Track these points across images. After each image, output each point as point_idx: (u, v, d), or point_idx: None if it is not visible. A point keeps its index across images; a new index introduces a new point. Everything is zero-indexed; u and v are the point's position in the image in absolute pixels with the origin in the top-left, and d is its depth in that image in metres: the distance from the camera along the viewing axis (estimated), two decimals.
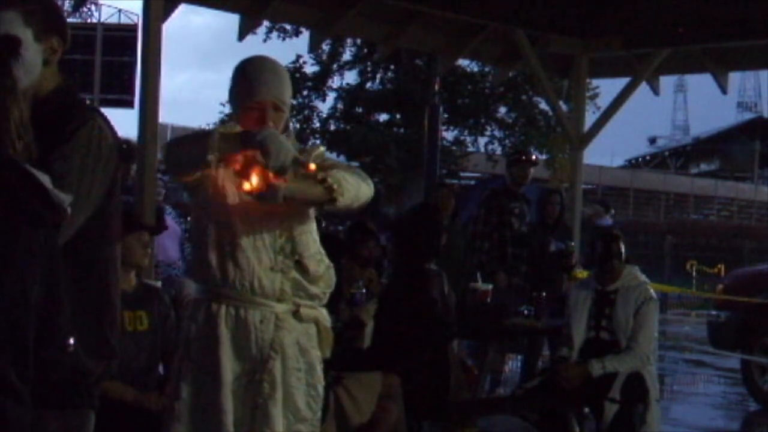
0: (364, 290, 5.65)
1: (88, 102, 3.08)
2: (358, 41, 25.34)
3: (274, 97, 3.24)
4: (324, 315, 3.37)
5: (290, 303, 3.26)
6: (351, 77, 27.54)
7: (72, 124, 2.71)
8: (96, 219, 2.78)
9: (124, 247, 4.38)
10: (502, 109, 27.59)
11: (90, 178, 2.73)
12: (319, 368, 3.34)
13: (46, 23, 2.78)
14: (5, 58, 2.38)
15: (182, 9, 6.88)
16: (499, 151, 27.85)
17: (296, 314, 3.27)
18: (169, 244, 7.45)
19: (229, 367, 3.19)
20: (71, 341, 2.62)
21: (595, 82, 19.14)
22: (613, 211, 10.88)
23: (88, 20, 25.08)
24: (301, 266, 3.27)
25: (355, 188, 3.23)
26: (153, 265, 6.23)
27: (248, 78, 3.27)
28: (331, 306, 5.06)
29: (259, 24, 9.44)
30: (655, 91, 9.19)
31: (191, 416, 3.22)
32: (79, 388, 2.81)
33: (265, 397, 3.20)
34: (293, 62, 25.72)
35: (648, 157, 61.08)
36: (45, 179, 2.36)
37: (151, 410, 4.19)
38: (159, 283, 5.64)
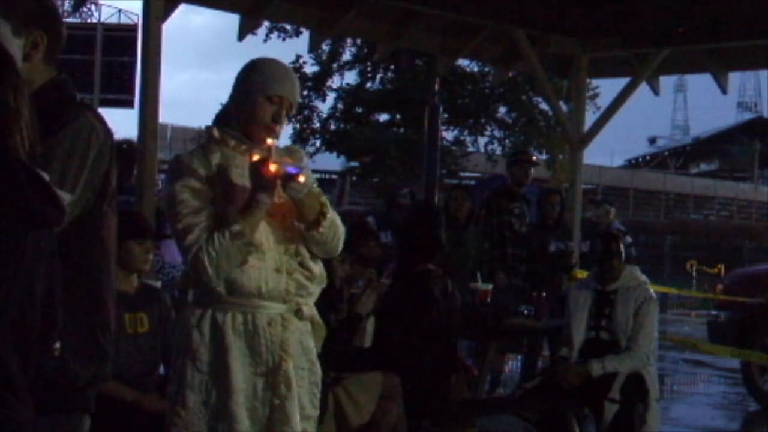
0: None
1: (83, 100, 2.98)
2: (358, 41, 25.36)
3: (292, 98, 3.27)
4: (315, 310, 3.38)
5: (293, 302, 3.26)
6: (351, 77, 27.60)
7: (60, 121, 2.63)
8: (87, 219, 2.72)
9: (126, 252, 4.39)
10: (502, 109, 27.63)
11: (75, 176, 2.65)
12: (318, 365, 3.35)
13: (27, 17, 2.67)
14: (11, 57, 2.36)
15: (182, 9, 6.88)
16: (499, 151, 27.89)
17: (297, 313, 3.27)
18: (176, 245, 7.41)
19: (240, 374, 3.18)
20: (57, 345, 2.56)
21: (595, 82, 19.17)
22: (614, 209, 10.93)
23: (88, 20, 25.12)
24: (303, 266, 3.28)
25: (338, 235, 3.31)
26: (160, 266, 6.23)
27: (272, 71, 3.25)
28: (331, 306, 5.08)
29: (259, 24, 9.44)
30: (655, 91, 9.19)
31: (201, 424, 3.21)
32: (68, 393, 2.74)
33: (281, 398, 3.19)
34: (293, 62, 25.75)
35: (648, 157, 61.12)
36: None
37: (150, 411, 4.19)
38: (159, 284, 5.64)
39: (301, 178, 3.10)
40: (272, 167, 3.06)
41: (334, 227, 3.28)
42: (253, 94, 3.23)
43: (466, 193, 8.33)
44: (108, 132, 2.80)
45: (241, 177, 3.19)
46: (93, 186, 2.73)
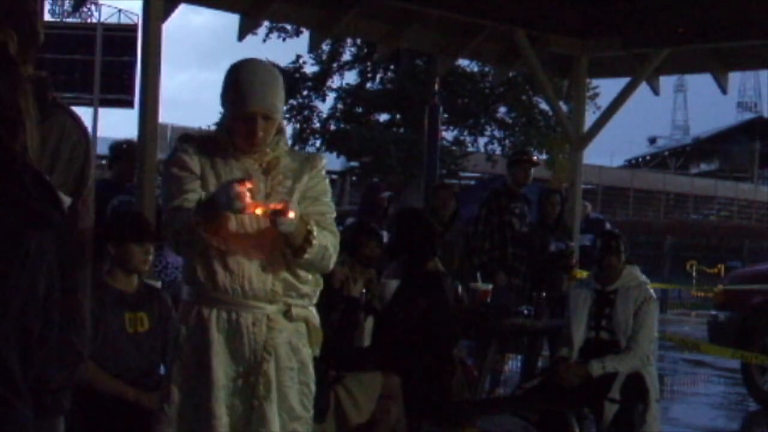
0: (364, 290, 5.64)
1: (56, 98, 2.89)
2: (358, 41, 25.36)
3: (265, 108, 3.21)
4: (314, 314, 3.38)
5: (281, 303, 3.26)
6: (351, 77, 27.61)
7: None
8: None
9: (126, 254, 4.41)
10: (502, 109, 27.63)
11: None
12: (311, 366, 3.35)
13: None
14: (13, 57, 2.35)
15: (182, 9, 6.88)
16: (498, 151, 27.90)
17: (287, 314, 3.28)
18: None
19: (221, 371, 3.20)
20: None
21: (595, 82, 19.16)
22: (590, 205, 11.16)
23: (88, 20, 25.11)
24: (291, 268, 3.27)
25: (327, 256, 3.27)
26: (162, 266, 6.24)
27: (240, 86, 3.22)
28: (331, 306, 5.08)
29: (259, 24, 9.43)
30: (655, 91, 9.19)
31: (181, 419, 3.23)
32: (41, 396, 2.72)
33: (260, 398, 3.21)
34: (293, 62, 25.78)
35: (648, 157, 61.15)
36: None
37: (150, 410, 4.19)
38: (159, 283, 5.64)
39: (291, 214, 3.05)
40: (258, 211, 3.05)
41: (322, 251, 3.24)
42: (227, 111, 3.27)
43: (450, 192, 8.25)
44: (83, 132, 2.74)
45: (229, 176, 3.23)
46: (66, 186, 2.67)
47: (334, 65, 26.89)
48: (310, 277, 3.32)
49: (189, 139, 3.32)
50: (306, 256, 3.19)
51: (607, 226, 9.79)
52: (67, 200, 2.50)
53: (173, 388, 3.24)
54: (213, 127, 11.00)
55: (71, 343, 2.77)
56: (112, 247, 4.44)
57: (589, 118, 9.78)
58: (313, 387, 3.35)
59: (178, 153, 3.25)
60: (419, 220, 5.83)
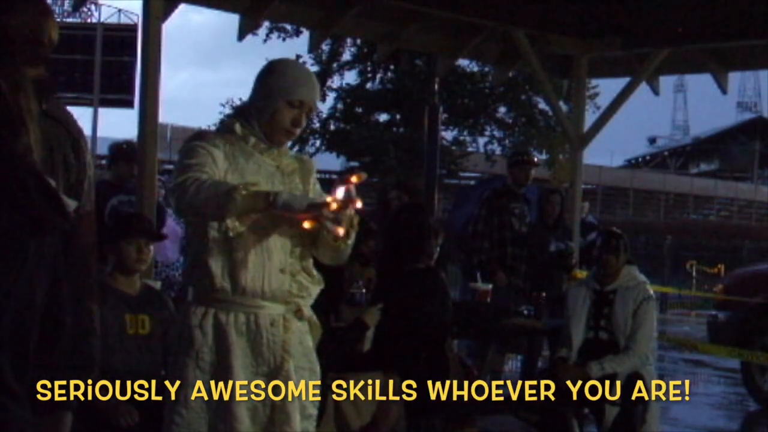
0: (363, 290, 5.63)
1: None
2: (358, 41, 25.34)
3: (312, 101, 3.31)
4: (312, 312, 3.40)
5: (294, 304, 3.28)
6: (351, 77, 27.58)
7: None
8: None
9: (119, 252, 4.40)
10: (502, 109, 27.61)
11: None
12: (317, 365, 3.37)
13: None
14: (11, 52, 2.33)
15: (182, 8, 6.87)
16: (498, 151, 27.88)
17: (297, 313, 3.29)
18: (169, 245, 7.42)
19: (242, 373, 3.20)
20: None
21: (595, 82, 19.15)
22: (587, 204, 11.16)
23: (88, 20, 25.13)
24: (306, 269, 3.31)
25: (352, 243, 3.33)
26: (153, 265, 6.23)
27: (293, 75, 3.29)
28: (332, 306, 5.07)
29: (260, 24, 9.42)
30: (655, 91, 9.18)
31: (202, 424, 3.21)
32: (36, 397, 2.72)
33: (282, 398, 3.21)
34: None
35: (648, 157, 61.20)
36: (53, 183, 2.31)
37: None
38: (158, 284, 5.63)
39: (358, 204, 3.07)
40: (340, 231, 3.06)
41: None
42: (274, 98, 3.25)
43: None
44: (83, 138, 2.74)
45: (255, 174, 3.22)
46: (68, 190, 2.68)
47: (334, 65, 26.86)
48: (317, 276, 3.34)
49: (209, 134, 3.31)
50: (349, 241, 3.25)
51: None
52: (72, 204, 2.49)
53: (190, 392, 3.21)
54: (212, 127, 10.92)
55: (84, 349, 2.76)
56: (108, 249, 4.42)
57: (589, 118, 9.77)
58: (319, 384, 3.37)
59: (202, 141, 3.20)
60: (420, 221, 5.68)
